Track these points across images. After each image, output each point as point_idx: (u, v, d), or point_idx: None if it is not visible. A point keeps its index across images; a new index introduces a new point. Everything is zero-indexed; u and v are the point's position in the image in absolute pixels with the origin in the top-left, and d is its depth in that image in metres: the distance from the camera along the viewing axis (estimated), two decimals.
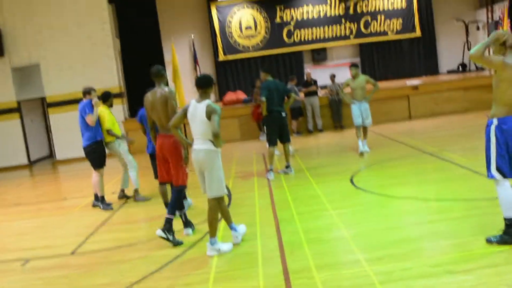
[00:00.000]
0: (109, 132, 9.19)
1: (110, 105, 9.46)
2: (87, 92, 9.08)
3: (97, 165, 9.14)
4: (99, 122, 9.04)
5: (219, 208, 6.07)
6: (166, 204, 7.17)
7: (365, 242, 5.72)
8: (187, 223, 6.93)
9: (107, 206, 9.05)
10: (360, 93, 11.26)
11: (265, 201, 8.13)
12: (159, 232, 6.37)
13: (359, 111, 11.17)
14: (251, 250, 5.94)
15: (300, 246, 5.83)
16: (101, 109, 9.14)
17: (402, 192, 7.70)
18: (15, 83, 17.38)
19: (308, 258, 5.41)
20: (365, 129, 11.38)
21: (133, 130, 16.69)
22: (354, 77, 11.29)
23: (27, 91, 17.58)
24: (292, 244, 5.90)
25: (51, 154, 18.79)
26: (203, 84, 6.00)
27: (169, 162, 6.80)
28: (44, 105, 18.21)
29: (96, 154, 9.09)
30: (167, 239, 6.37)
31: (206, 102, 5.86)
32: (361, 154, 11.03)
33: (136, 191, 9.41)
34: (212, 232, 5.95)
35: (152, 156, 8.30)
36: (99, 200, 9.17)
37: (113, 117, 9.40)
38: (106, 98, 9.41)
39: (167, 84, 7.33)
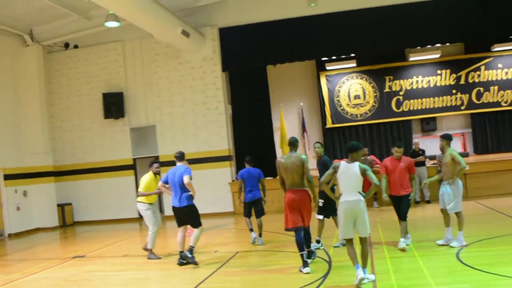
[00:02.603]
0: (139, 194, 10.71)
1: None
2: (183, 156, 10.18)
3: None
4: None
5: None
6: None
7: None
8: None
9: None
10: (445, 171, 9.28)
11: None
12: (307, 264, 8.18)
13: (441, 193, 9.45)
14: None
15: None
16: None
17: None
18: (133, 142, 18.60)
19: None
20: (447, 215, 9.39)
21: (237, 192, 17.09)
22: (441, 150, 9.45)
23: (142, 150, 18.72)
24: None
25: (160, 210, 19.54)
26: (353, 150, 7.42)
27: (301, 210, 8.37)
28: None
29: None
30: (313, 258, 8.79)
31: (357, 163, 7.30)
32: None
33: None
34: (365, 263, 7.23)
35: (248, 204, 11.20)
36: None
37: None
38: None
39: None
